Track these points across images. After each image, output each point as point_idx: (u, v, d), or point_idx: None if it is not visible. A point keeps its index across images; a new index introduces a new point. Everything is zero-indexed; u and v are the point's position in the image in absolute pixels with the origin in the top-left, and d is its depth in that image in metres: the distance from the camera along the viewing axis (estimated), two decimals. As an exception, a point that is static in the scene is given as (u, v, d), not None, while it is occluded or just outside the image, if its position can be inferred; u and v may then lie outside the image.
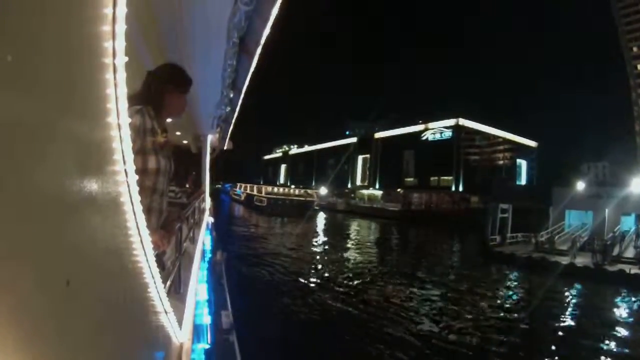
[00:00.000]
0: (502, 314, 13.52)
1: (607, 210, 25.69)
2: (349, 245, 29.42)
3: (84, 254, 0.70)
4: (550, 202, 29.73)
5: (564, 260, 20.54)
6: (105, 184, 0.78)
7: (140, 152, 1.86)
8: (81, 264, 0.68)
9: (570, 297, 16.54)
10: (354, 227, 44.95)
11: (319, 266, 20.30)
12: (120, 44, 0.75)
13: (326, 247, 27.75)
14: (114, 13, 0.72)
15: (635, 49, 79.79)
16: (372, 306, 13.44)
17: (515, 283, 18.95)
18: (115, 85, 0.76)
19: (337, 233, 37.21)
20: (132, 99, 1.92)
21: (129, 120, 0.82)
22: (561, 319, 13.31)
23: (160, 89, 2.08)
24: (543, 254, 22.14)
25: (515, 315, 13.45)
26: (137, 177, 0.89)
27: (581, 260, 20.16)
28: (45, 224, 0.57)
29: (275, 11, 2.21)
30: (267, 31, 2.44)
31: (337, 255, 23.97)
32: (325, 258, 23.01)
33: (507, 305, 14.91)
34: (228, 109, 6.01)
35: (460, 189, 70.10)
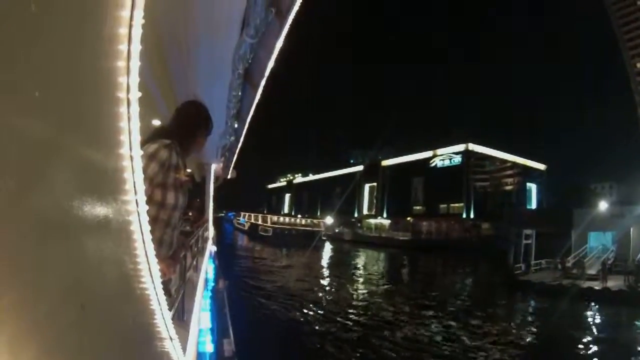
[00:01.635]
0: (547, 353, 12.51)
1: (632, 230, 24.83)
2: (359, 277, 28.44)
3: (97, 279, 0.73)
4: (567, 225, 29.09)
5: (597, 286, 19.81)
6: (116, 213, 0.83)
7: (161, 186, 1.90)
8: (94, 289, 0.71)
9: (615, 325, 15.75)
10: (363, 257, 44.04)
11: (327, 298, 19.68)
12: (134, 79, 0.81)
13: (334, 278, 26.86)
14: (128, 49, 0.77)
15: (639, 64, 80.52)
16: (386, 343, 12.71)
17: (552, 314, 17.28)
18: (129, 118, 0.81)
19: (345, 264, 36.36)
20: (161, 133, 2.01)
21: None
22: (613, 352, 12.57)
23: (195, 129, 2.19)
24: (572, 280, 21.23)
25: (564, 352, 12.52)
26: (152, 208, 0.93)
27: (613, 284, 19.43)
28: (62, 249, 0.61)
29: (279, 44, 2.31)
30: (271, 63, 2.54)
31: (347, 287, 23.20)
32: (334, 290, 22.22)
33: (550, 341, 13.63)
34: (232, 138, 6.13)
35: (471, 215, 69.32)
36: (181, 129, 2.12)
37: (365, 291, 22.44)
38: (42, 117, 0.55)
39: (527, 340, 13.78)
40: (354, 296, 20.72)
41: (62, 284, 0.60)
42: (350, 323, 14.84)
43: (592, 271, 22.08)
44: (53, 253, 0.58)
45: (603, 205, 28.30)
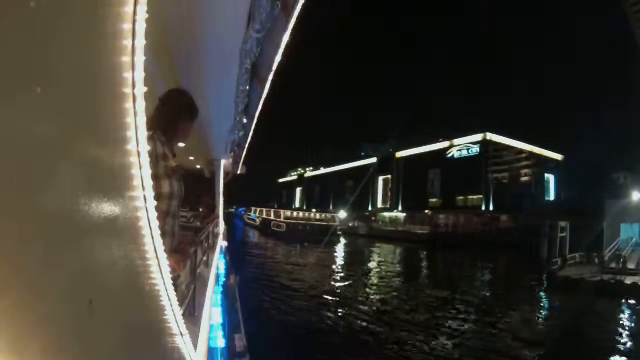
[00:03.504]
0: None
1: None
2: (381, 274, 27.18)
3: (105, 275, 0.75)
4: (594, 216, 28.10)
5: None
6: (125, 209, 0.84)
7: (153, 177, 1.94)
8: (103, 284, 0.73)
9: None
10: (382, 253, 43.35)
11: (347, 296, 18.83)
12: (139, 74, 0.81)
13: (354, 275, 25.60)
14: (133, 44, 0.78)
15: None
16: (414, 347, 12.13)
17: (606, 316, 15.73)
18: (135, 114, 0.82)
19: (364, 259, 35.79)
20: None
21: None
22: None
23: (176, 116, 2.21)
24: (612, 275, 20.15)
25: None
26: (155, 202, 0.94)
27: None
28: (70, 246, 0.63)
29: (286, 38, 2.31)
30: (278, 57, 2.55)
31: (369, 285, 22.26)
32: (354, 288, 20.97)
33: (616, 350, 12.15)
34: (241, 133, 6.16)
35: (490, 207, 68.30)
36: (164, 117, 2.15)
37: (388, 289, 21.34)
38: (47, 114, 0.56)
39: (590, 347, 12.39)
40: (376, 295, 19.87)
41: (69, 279, 0.62)
42: (371, 323, 14.35)
43: (629, 265, 21.28)
44: (61, 249, 0.60)
45: (636, 195, 27.30)
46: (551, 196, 77.32)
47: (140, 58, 0.80)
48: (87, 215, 0.67)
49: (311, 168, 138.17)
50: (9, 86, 0.48)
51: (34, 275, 0.53)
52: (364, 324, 14.18)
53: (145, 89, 0.83)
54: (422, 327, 13.99)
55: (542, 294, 20.67)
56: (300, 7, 2.04)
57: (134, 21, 0.77)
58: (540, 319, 15.98)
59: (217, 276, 6.41)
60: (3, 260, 0.48)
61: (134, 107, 0.82)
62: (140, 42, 0.80)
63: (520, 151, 76.52)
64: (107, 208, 0.75)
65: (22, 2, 0.49)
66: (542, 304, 18.74)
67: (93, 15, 0.67)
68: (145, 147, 0.87)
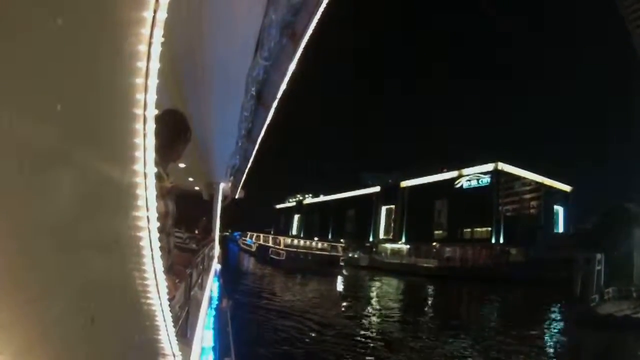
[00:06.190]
0: None
1: None
2: (391, 311, 24.89)
3: (107, 293, 0.77)
4: (616, 247, 27.85)
5: None
6: (128, 229, 0.86)
7: None
8: (104, 302, 0.75)
9: None
10: (388, 287, 41.43)
11: (351, 334, 16.77)
12: (152, 96, 0.84)
13: (361, 313, 23.00)
14: (147, 67, 0.81)
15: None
16: None
17: None
18: (145, 135, 0.85)
19: (371, 294, 34.27)
20: None
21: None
22: None
23: (172, 137, 2.27)
24: None
25: None
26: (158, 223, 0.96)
27: None
28: (74, 263, 0.65)
29: (292, 67, 2.38)
30: (284, 85, 2.62)
31: (379, 326, 19.95)
32: (363, 327, 18.76)
33: None
34: (242, 158, 6.22)
35: (501, 240, 67.01)
36: (159, 138, 2.19)
37: (401, 333, 18.66)
38: (60, 130, 0.59)
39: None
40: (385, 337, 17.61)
41: (73, 296, 0.64)
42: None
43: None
44: (66, 266, 0.62)
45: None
46: (560, 228, 76.36)
47: (153, 81, 0.83)
48: (92, 233, 0.70)
49: (311, 195, 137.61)
50: (25, 102, 0.51)
51: (38, 291, 0.55)
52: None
53: (156, 111, 0.86)
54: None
55: (588, 333, 18.90)
56: (308, 37, 2.11)
57: (150, 44, 0.80)
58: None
59: (211, 299, 6.34)
60: (8, 275, 0.49)
61: (144, 129, 0.84)
62: (155, 64, 0.82)
63: (530, 182, 75.64)
64: (112, 227, 0.77)
65: (46, 20, 0.52)
66: (597, 349, 17.00)
67: (111, 35, 0.70)
68: (152, 169, 0.89)
